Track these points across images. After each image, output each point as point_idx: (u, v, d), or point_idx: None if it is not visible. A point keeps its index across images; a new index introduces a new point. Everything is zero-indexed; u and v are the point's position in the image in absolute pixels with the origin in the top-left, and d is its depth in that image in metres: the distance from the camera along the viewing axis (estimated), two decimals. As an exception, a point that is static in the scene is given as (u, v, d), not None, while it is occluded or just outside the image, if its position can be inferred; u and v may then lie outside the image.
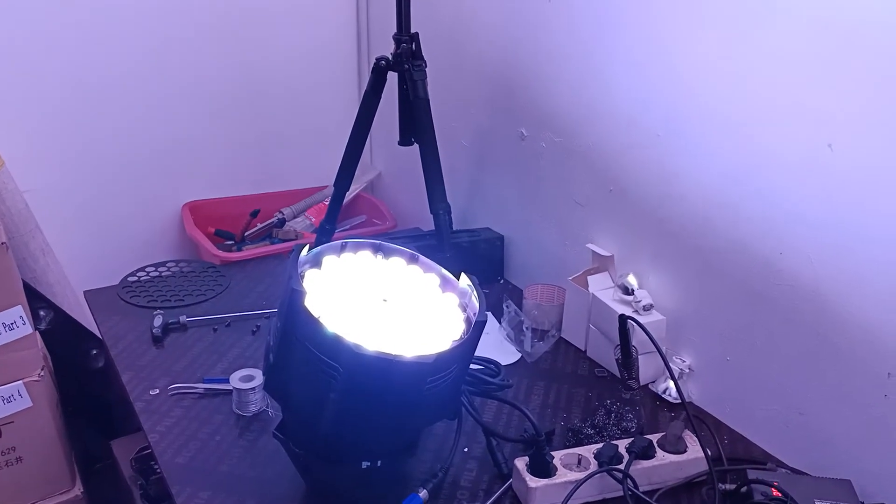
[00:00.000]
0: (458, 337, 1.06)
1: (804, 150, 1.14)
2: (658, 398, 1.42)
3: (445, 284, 1.13)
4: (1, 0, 1.82)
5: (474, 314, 1.08)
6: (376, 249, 1.14)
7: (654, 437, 1.21)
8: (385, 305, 1.07)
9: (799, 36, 1.11)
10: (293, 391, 1.05)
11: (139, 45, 2.02)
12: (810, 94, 1.12)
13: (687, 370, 1.41)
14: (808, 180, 1.15)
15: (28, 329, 1.53)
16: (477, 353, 1.13)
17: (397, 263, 1.14)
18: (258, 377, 1.33)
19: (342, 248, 1.11)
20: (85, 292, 1.78)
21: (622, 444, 1.18)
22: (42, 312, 1.86)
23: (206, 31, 2.10)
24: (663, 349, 1.23)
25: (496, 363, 1.29)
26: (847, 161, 1.09)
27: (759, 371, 1.29)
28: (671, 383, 1.38)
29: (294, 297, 0.96)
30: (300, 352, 0.98)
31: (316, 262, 1.08)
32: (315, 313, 0.96)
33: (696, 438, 1.20)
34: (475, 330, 1.04)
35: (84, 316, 1.84)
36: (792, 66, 1.13)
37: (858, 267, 1.11)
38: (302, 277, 1.04)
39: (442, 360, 0.98)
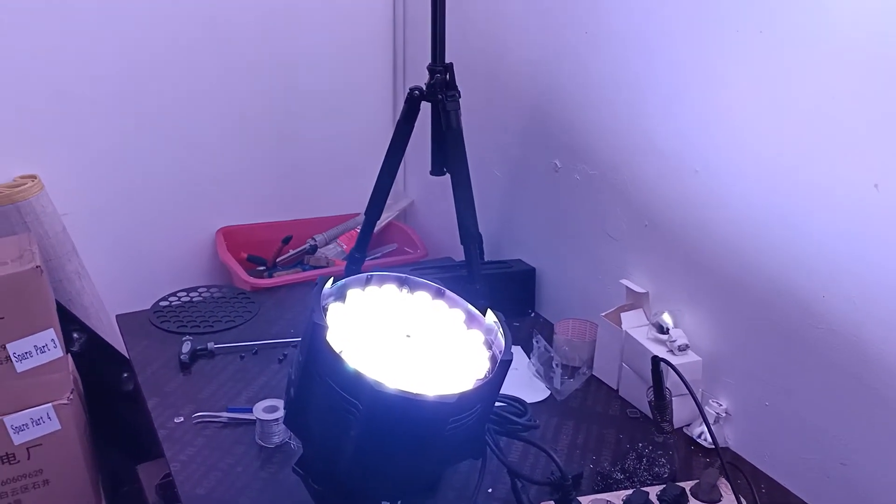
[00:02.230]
0: (482, 375, 1.03)
1: (849, 189, 1.10)
2: (693, 442, 1.37)
3: (471, 321, 1.11)
4: (45, 29, 1.85)
5: (500, 352, 1.05)
6: (402, 283, 1.12)
7: (688, 485, 1.16)
8: (409, 341, 1.05)
9: (842, 73, 1.08)
10: (313, 427, 1.03)
11: (179, 75, 2.05)
12: (855, 133, 1.08)
13: (723, 414, 1.36)
14: (852, 221, 1.10)
15: (59, 352, 1.54)
16: (504, 391, 1.10)
17: (423, 298, 1.11)
18: (282, 408, 1.31)
19: (367, 282, 1.09)
20: (117, 316, 1.79)
21: (653, 492, 1.14)
22: (75, 335, 1.88)
23: (244, 60, 2.12)
24: (698, 392, 1.19)
25: (522, 402, 1.26)
26: (894, 201, 1.04)
27: (799, 417, 1.24)
28: (706, 427, 1.33)
29: (316, 331, 0.95)
30: (321, 387, 0.96)
31: (340, 296, 1.06)
32: (337, 348, 0.95)
33: (730, 487, 1.15)
34: (500, 369, 1.01)
35: (117, 339, 1.85)
36: (836, 104, 1.09)
37: (905, 313, 1.06)
38: (325, 311, 1.02)
39: (465, 400, 0.95)
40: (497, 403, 1.19)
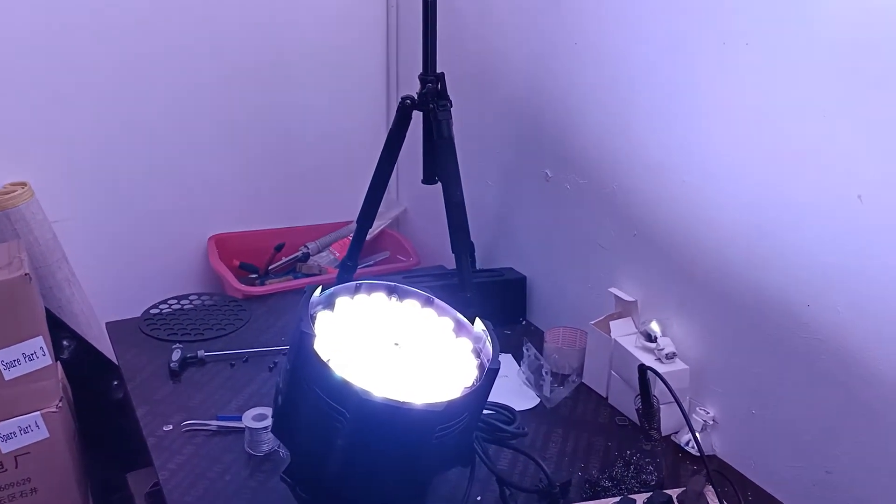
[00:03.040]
0: (470, 384, 1.03)
1: (833, 200, 1.11)
2: (680, 450, 1.37)
3: (459, 329, 1.11)
4: (37, 34, 1.86)
5: (488, 360, 1.05)
6: (391, 291, 1.12)
7: (674, 493, 1.16)
8: (397, 349, 1.05)
9: (826, 85, 1.09)
10: (301, 435, 1.03)
11: (170, 83, 2.05)
12: (839, 145, 1.09)
13: (711, 422, 1.37)
14: (836, 231, 1.11)
15: (48, 360, 1.54)
16: (495, 399, 1.11)
17: (412, 306, 1.12)
18: (271, 416, 1.31)
19: (356, 290, 1.10)
20: (107, 324, 1.78)
21: (640, 499, 1.14)
22: (65, 342, 1.87)
23: (236, 68, 2.13)
24: (685, 400, 1.20)
25: (511, 410, 1.26)
26: (877, 212, 1.05)
27: (785, 426, 1.25)
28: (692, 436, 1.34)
29: (303, 339, 0.95)
30: (308, 395, 0.97)
31: (329, 304, 1.07)
32: (325, 357, 0.95)
33: (717, 495, 1.16)
34: (488, 377, 1.01)
35: (107, 347, 1.84)
36: (820, 115, 1.10)
37: (889, 322, 1.06)
38: (313, 319, 1.02)
39: (452, 408, 0.95)
40: (486, 411, 1.20)
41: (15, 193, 1.83)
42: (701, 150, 1.32)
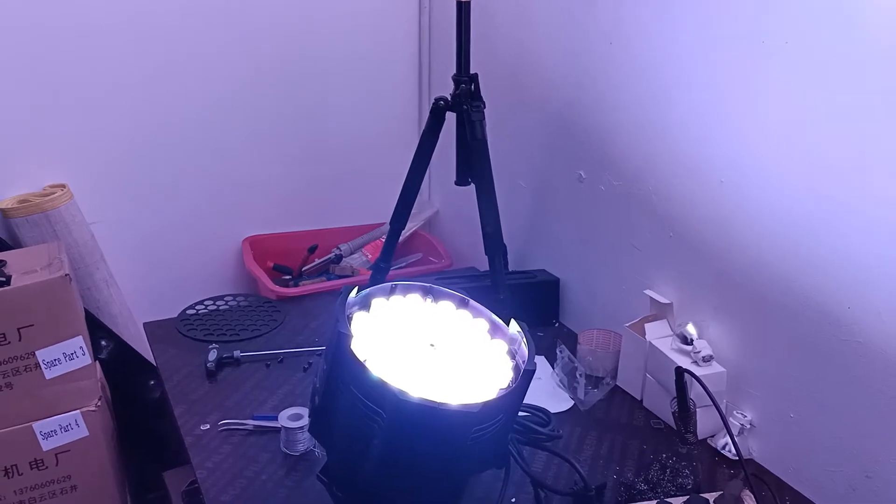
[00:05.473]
0: (505, 385, 1.03)
1: (876, 201, 1.09)
2: (717, 454, 1.36)
3: (495, 330, 1.11)
4: (74, 41, 1.89)
5: (523, 362, 1.05)
6: (426, 292, 1.12)
7: (711, 497, 1.15)
8: (432, 350, 1.05)
9: (871, 86, 1.07)
10: (337, 435, 1.04)
11: (206, 86, 2.08)
12: (883, 147, 1.07)
13: (748, 425, 1.35)
14: (880, 233, 1.09)
15: (87, 359, 1.56)
16: (528, 400, 1.11)
17: (447, 307, 1.12)
18: (306, 416, 1.32)
19: (391, 291, 1.10)
20: (144, 324, 1.81)
21: (677, 503, 1.13)
22: (103, 342, 1.90)
23: (271, 70, 2.15)
24: (722, 404, 1.19)
25: (546, 412, 1.25)
26: (921, 213, 1.04)
27: (824, 429, 1.23)
28: (730, 439, 1.32)
29: (340, 340, 0.96)
30: (345, 395, 0.97)
31: (364, 305, 1.07)
32: (361, 357, 0.95)
33: (755, 499, 1.14)
34: (524, 379, 1.01)
35: (144, 347, 1.87)
36: (864, 116, 1.09)
37: (934, 325, 1.04)
38: (350, 320, 1.03)
39: (488, 410, 0.95)
40: (520, 413, 1.19)
41: (54, 195, 1.87)
42: (739, 150, 1.30)
